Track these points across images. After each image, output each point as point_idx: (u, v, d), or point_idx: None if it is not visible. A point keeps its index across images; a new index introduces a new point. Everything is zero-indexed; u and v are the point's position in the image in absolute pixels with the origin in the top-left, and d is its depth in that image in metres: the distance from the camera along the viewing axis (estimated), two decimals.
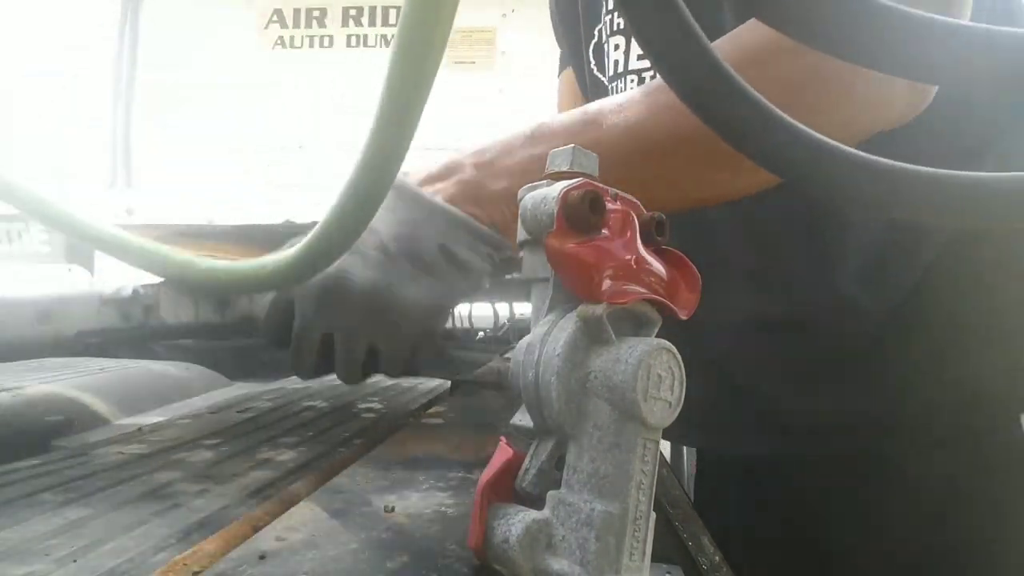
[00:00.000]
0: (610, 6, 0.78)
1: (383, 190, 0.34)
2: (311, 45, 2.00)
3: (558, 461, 0.32)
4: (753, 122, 0.26)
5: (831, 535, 0.69)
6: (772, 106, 0.26)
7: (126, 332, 0.60)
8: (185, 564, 0.32)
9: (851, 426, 0.67)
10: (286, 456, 0.57)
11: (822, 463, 0.68)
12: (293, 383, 1.01)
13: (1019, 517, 0.63)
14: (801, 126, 0.27)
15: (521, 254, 0.34)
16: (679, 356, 0.31)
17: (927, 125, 0.47)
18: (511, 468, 0.33)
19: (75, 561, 0.35)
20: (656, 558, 0.31)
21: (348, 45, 1.99)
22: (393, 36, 0.30)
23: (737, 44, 0.43)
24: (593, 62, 0.83)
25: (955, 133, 0.53)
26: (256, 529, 0.37)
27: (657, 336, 0.32)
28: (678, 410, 0.31)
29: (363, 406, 0.83)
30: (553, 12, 0.94)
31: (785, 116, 0.26)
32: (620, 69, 0.75)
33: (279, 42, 2.01)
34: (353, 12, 2.00)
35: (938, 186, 0.27)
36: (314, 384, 0.98)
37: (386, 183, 0.34)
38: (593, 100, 0.85)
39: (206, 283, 0.45)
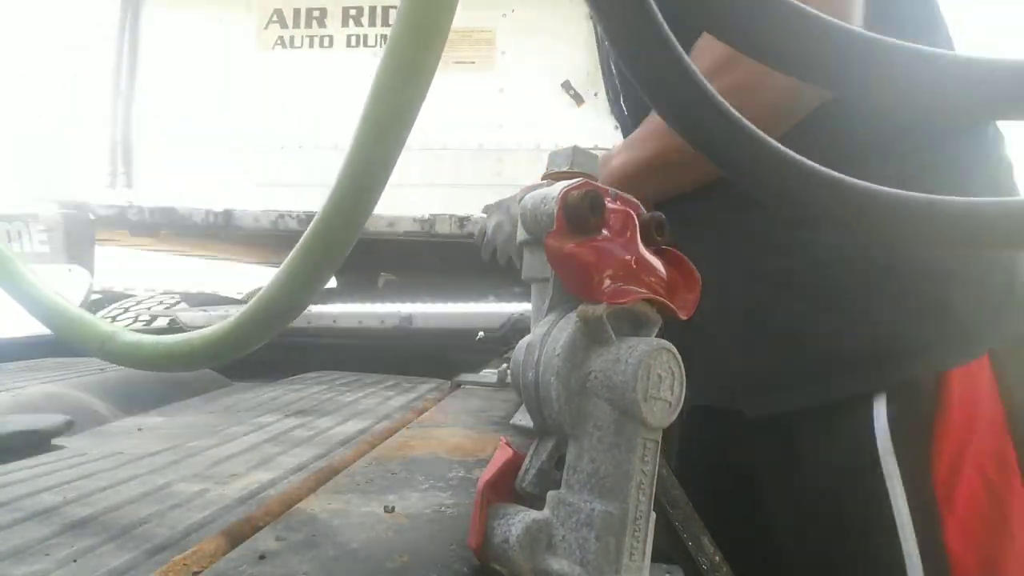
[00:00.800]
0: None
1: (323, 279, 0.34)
2: (311, 45, 2.00)
3: (558, 461, 0.32)
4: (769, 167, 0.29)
5: (756, 494, 0.71)
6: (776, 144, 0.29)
7: None
8: (185, 564, 0.32)
9: (775, 386, 0.67)
10: (286, 456, 0.57)
11: (753, 424, 0.70)
12: (291, 383, 1.01)
13: (872, 501, 0.61)
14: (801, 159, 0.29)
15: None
16: (679, 356, 0.31)
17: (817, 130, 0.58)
18: (511, 468, 0.33)
19: (75, 561, 0.35)
20: (656, 558, 0.31)
21: (348, 45, 1.99)
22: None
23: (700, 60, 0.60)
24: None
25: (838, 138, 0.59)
26: (256, 529, 0.37)
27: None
28: (678, 410, 0.31)
29: (363, 406, 0.83)
30: None
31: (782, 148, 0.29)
32: None
33: (279, 42, 2.01)
34: (353, 12, 2.00)
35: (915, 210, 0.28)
36: (314, 386, 0.99)
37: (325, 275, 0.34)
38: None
39: (128, 357, 0.42)
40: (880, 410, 0.59)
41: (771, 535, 0.69)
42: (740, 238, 0.66)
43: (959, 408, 0.57)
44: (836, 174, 0.29)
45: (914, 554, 0.56)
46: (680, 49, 0.27)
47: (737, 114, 0.28)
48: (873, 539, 0.58)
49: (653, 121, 0.67)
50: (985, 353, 0.58)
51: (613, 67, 0.86)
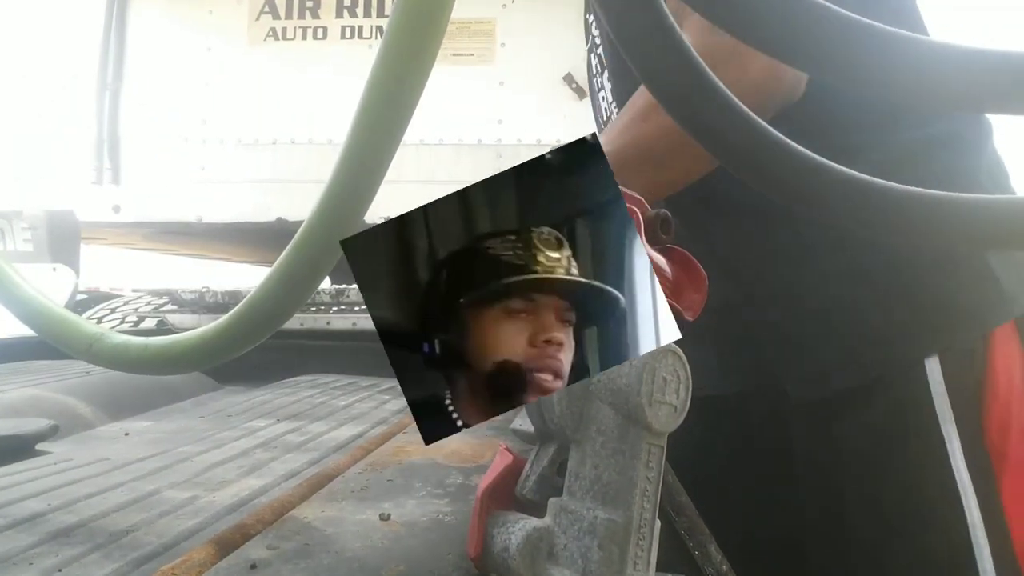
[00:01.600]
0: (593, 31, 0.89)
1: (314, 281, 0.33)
2: (304, 37, 1.98)
3: (560, 467, 0.31)
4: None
5: (773, 471, 0.72)
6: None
7: None
8: (174, 573, 0.31)
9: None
10: (278, 462, 0.56)
11: (773, 406, 0.71)
12: (284, 387, 1.00)
13: (921, 466, 0.61)
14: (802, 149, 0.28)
15: None
16: (684, 359, 0.30)
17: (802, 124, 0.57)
18: (511, 474, 0.32)
19: (60, 571, 0.34)
20: (661, 567, 0.31)
21: (343, 37, 1.96)
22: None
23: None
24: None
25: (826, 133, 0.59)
26: (247, 537, 0.36)
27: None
28: (683, 415, 0.30)
29: (358, 410, 0.82)
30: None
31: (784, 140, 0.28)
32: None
33: (271, 34, 1.98)
34: (348, 2, 1.97)
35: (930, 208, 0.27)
36: (307, 390, 0.97)
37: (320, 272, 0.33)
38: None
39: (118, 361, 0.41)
40: (935, 376, 0.60)
41: (802, 520, 0.69)
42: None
43: (1003, 369, 0.59)
44: (848, 171, 0.28)
45: (978, 522, 0.56)
46: (677, 29, 0.26)
47: (742, 106, 0.27)
48: (939, 511, 0.57)
49: (634, 107, 0.61)
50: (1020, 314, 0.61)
51: (598, 40, 0.85)
